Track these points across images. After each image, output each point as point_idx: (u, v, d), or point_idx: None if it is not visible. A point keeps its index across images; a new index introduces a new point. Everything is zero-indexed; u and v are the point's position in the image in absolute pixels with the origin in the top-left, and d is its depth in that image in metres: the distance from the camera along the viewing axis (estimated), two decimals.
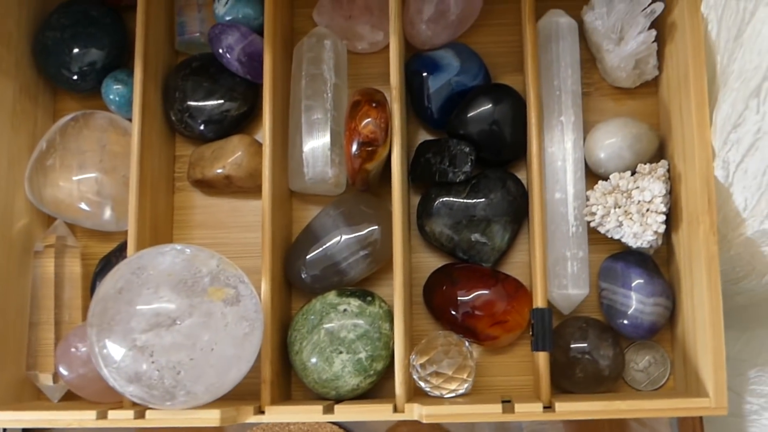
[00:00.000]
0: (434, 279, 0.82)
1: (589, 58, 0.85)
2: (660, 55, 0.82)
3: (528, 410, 0.70)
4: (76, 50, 0.86)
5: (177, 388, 0.67)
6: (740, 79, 0.67)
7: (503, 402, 0.73)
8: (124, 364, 0.67)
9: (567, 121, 0.81)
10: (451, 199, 0.81)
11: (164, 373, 0.66)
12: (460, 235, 0.81)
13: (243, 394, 0.78)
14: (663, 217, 0.75)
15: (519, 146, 0.81)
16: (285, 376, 0.82)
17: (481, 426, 0.84)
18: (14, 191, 0.84)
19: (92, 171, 0.84)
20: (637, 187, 0.76)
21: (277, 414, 0.74)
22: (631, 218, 0.76)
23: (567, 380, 0.78)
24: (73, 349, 0.78)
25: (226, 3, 0.85)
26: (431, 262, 0.85)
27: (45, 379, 0.82)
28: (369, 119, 0.75)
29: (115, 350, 0.67)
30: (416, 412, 0.71)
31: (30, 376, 0.83)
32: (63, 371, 0.78)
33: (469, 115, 0.81)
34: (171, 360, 0.66)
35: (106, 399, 0.78)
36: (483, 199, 0.81)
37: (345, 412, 0.73)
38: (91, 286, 0.86)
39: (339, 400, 0.78)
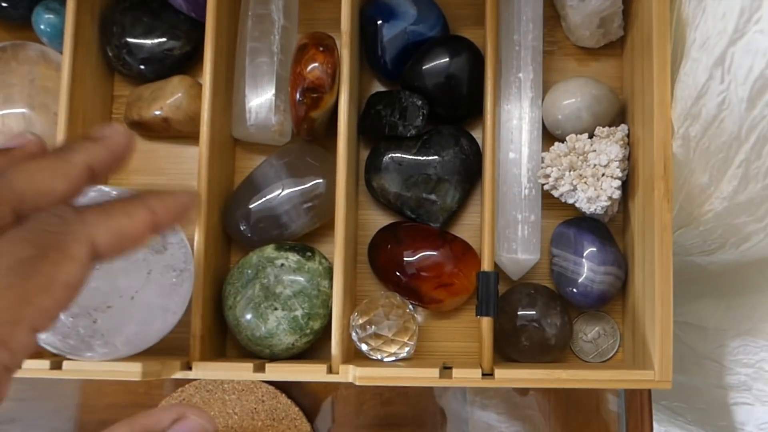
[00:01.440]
0: (379, 237, 0.78)
1: (554, 14, 0.81)
2: (626, 14, 0.78)
3: (466, 376, 0.67)
4: None
5: (93, 338, 0.63)
6: (703, 48, 0.63)
7: (444, 368, 0.70)
8: None
9: (525, 78, 0.77)
10: (401, 155, 0.77)
11: (78, 321, 0.62)
12: (409, 192, 0.77)
13: (173, 349, 0.74)
14: (618, 183, 0.72)
15: (475, 103, 0.77)
16: (219, 333, 0.78)
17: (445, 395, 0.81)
18: None
19: (20, 106, 0.78)
20: (594, 150, 0.73)
21: (204, 371, 0.70)
22: (585, 182, 0.73)
23: (512, 348, 0.75)
24: None
25: None
26: (379, 219, 0.81)
27: None
28: (315, 64, 0.71)
29: None
30: (351, 373, 0.68)
31: None
32: None
33: (423, 67, 0.77)
34: (86, 306, 0.62)
35: None
36: (434, 157, 0.77)
37: (277, 371, 0.69)
38: None
39: (274, 359, 0.74)
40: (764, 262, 0.73)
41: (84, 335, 0.62)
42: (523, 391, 0.80)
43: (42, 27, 0.80)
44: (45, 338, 0.63)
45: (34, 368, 0.67)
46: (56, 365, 0.67)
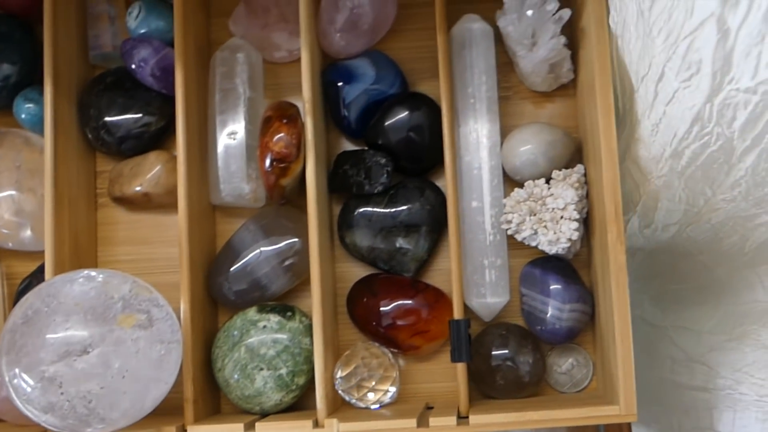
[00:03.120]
0: (356, 290, 0.82)
1: (508, 61, 0.85)
2: (574, 58, 0.81)
3: (442, 423, 0.71)
4: None
5: (91, 416, 0.67)
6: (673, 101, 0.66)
7: (427, 408, 0.74)
8: (35, 396, 0.67)
9: (482, 128, 0.80)
10: (370, 209, 0.81)
11: (75, 403, 0.67)
12: (381, 245, 0.81)
13: (170, 409, 0.78)
14: (576, 224, 0.76)
15: (438, 153, 0.81)
16: (213, 391, 0.82)
17: None
18: None
19: (9, 190, 0.83)
20: (551, 195, 0.77)
21: None
22: (545, 226, 0.76)
23: (489, 387, 0.79)
24: None
25: (137, 16, 0.84)
26: (355, 271, 0.85)
27: None
28: (281, 135, 0.75)
29: (25, 382, 0.67)
30: (335, 428, 0.72)
31: None
32: None
33: (385, 124, 0.81)
34: (81, 390, 0.66)
35: (31, 422, 0.78)
36: (402, 208, 0.81)
37: (266, 429, 0.74)
38: (14, 306, 0.85)
39: (264, 414, 0.79)
40: (762, 258, 0.75)
41: (81, 415, 0.67)
42: None
43: (23, 116, 0.84)
44: (46, 419, 0.67)
45: None
46: None
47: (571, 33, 0.81)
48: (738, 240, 0.74)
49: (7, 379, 0.68)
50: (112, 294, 0.70)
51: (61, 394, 0.66)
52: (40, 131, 0.83)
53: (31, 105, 0.84)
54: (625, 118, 0.76)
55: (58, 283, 0.71)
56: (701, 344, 0.90)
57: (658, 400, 1.01)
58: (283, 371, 0.76)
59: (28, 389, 0.67)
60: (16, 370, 0.67)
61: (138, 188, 0.83)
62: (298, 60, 0.86)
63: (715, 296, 0.84)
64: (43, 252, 0.85)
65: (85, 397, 0.67)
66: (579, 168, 0.79)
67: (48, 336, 0.67)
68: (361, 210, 0.81)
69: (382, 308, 0.80)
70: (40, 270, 0.84)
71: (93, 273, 0.72)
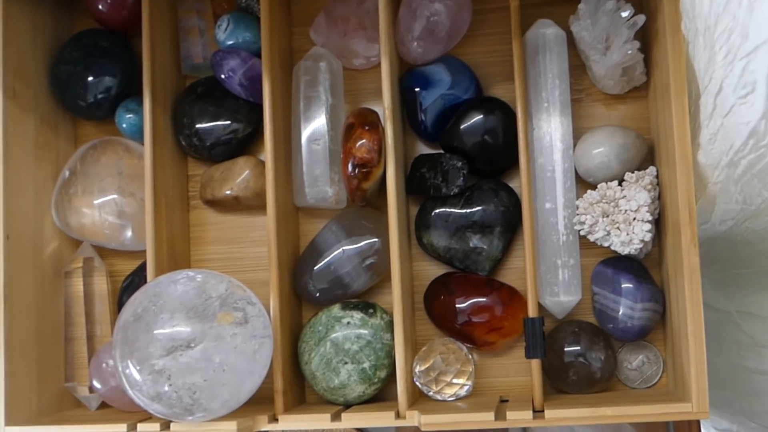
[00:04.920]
0: (433, 289, 0.86)
1: (580, 64, 0.87)
2: (647, 61, 0.83)
3: (519, 417, 0.74)
4: (89, 80, 0.91)
5: (194, 406, 0.74)
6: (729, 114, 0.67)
7: (501, 401, 0.78)
8: (146, 387, 0.73)
9: (555, 131, 0.83)
10: (447, 210, 0.85)
11: (182, 394, 0.73)
12: (456, 245, 0.85)
13: (261, 399, 0.84)
14: (649, 226, 0.78)
15: (512, 156, 0.84)
16: (299, 383, 0.88)
17: None
18: (42, 218, 0.90)
19: (112, 195, 0.90)
20: (624, 197, 0.79)
21: (289, 422, 0.80)
22: (618, 227, 0.79)
23: (561, 382, 0.82)
24: (103, 365, 0.85)
25: (226, 29, 0.89)
26: (432, 270, 0.89)
27: (82, 391, 0.90)
28: (363, 141, 0.79)
29: (137, 373, 0.73)
30: (416, 419, 0.77)
31: (69, 388, 0.91)
32: (96, 385, 0.86)
33: (461, 128, 0.84)
34: (186, 382, 0.73)
35: (138, 409, 0.86)
36: (477, 209, 0.84)
37: (351, 419, 0.79)
38: (118, 302, 0.93)
39: (347, 405, 0.84)
40: None
41: (186, 404, 0.74)
42: None
43: (124, 126, 0.91)
44: (155, 408, 0.74)
45: (146, 431, 0.79)
46: (165, 426, 0.79)
47: (644, 36, 0.82)
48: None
49: (120, 369, 0.74)
50: (210, 293, 0.76)
51: (170, 385, 0.73)
52: (140, 139, 0.90)
53: (131, 115, 0.90)
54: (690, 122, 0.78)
55: (163, 283, 0.77)
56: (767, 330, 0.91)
57: (728, 385, 1.02)
58: (366, 365, 0.81)
59: (139, 380, 0.73)
60: (129, 362, 0.74)
61: (228, 192, 0.88)
62: (376, 66, 0.91)
63: None
64: (142, 251, 0.92)
65: (190, 388, 0.73)
66: (651, 170, 0.80)
67: (156, 332, 0.74)
68: (438, 211, 0.85)
69: (458, 305, 0.84)
70: (141, 268, 0.91)
71: (192, 273, 0.78)
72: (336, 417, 0.79)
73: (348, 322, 0.83)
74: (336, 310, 0.84)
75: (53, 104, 0.94)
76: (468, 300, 0.83)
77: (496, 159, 0.85)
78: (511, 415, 0.74)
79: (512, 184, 0.87)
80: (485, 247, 0.84)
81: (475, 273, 0.85)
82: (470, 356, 0.83)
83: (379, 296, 0.89)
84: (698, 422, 0.84)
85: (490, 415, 0.74)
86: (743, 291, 0.95)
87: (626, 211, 0.79)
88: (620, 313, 0.80)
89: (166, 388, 0.73)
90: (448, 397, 0.82)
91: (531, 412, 0.75)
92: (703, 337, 0.71)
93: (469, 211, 0.85)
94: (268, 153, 0.83)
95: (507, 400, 0.80)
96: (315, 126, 0.86)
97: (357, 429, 0.90)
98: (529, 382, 0.85)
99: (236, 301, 0.77)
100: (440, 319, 0.85)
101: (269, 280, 0.82)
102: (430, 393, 0.82)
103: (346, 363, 0.82)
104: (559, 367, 0.81)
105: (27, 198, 0.88)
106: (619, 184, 0.80)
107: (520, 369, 0.86)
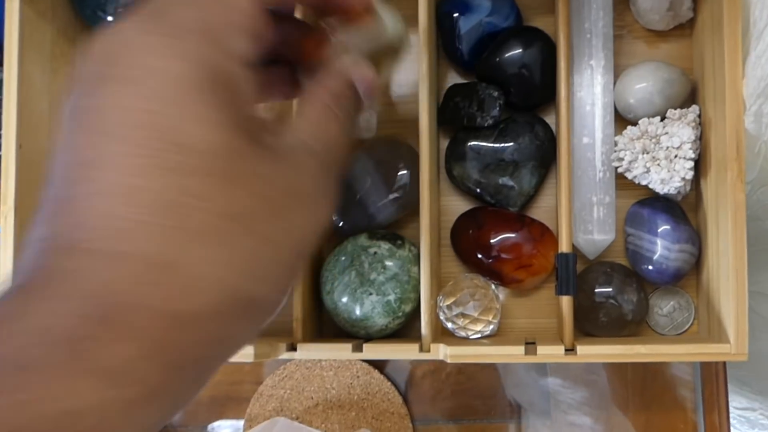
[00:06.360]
0: (461, 223, 0.83)
1: None
2: None
3: (550, 352, 0.72)
4: None
5: None
6: None
7: (527, 344, 0.75)
8: None
9: (597, 64, 0.80)
10: (480, 143, 0.82)
11: None
12: (488, 179, 0.82)
13: (276, 331, 0.81)
14: (691, 164, 0.75)
15: (548, 90, 0.81)
16: (317, 316, 0.85)
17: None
18: (55, 131, 0.86)
19: None
20: (666, 133, 0.76)
21: (308, 351, 0.77)
22: (658, 164, 0.76)
23: (590, 324, 0.80)
24: None
25: None
26: (459, 205, 0.86)
27: None
28: None
29: None
30: (441, 352, 0.74)
31: None
32: None
33: (498, 59, 0.81)
34: None
35: None
36: (511, 144, 0.81)
37: (373, 351, 0.76)
38: None
39: (368, 339, 0.81)
40: None
41: None
42: None
43: None
44: None
45: None
46: None
47: None
48: None
49: None
50: None
51: None
52: None
53: None
54: None
55: None
56: None
57: (744, 365, 1.00)
58: (391, 297, 0.78)
59: None
60: None
61: None
62: None
63: None
64: None
65: None
66: (694, 108, 0.78)
67: None
68: (471, 143, 0.82)
69: (487, 240, 0.81)
70: None
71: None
72: (357, 348, 0.76)
73: (375, 252, 0.80)
74: (363, 239, 0.81)
75: (71, 15, 0.89)
76: (498, 235, 0.81)
77: (532, 92, 0.82)
78: (542, 350, 0.72)
79: (547, 119, 0.84)
80: (518, 182, 0.81)
81: (505, 208, 0.83)
82: (497, 294, 0.81)
83: (403, 229, 0.86)
84: (725, 380, 0.82)
85: (520, 349, 0.72)
86: (753, 271, 0.93)
87: (668, 147, 0.76)
88: (657, 254, 0.77)
89: None
90: (473, 335, 0.79)
91: (562, 347, 0.72)
92: (746, 274, 0.69)
93: (503, 144, 0.81)
94: None
95: (533, 343, 0.78)
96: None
97: (369, 364, 0.87)
98: (554, 325, 0.83)
99: None
100: (467, 254, 0.83)
101: None
102: (455, 329, 0.79)
103: (370, 294, 0.79)
104: (589, 308, 0.79)
105: (41, 109, 0.84)
106: (661, 120, 0.77)
107: (546, 310, 0.83)
